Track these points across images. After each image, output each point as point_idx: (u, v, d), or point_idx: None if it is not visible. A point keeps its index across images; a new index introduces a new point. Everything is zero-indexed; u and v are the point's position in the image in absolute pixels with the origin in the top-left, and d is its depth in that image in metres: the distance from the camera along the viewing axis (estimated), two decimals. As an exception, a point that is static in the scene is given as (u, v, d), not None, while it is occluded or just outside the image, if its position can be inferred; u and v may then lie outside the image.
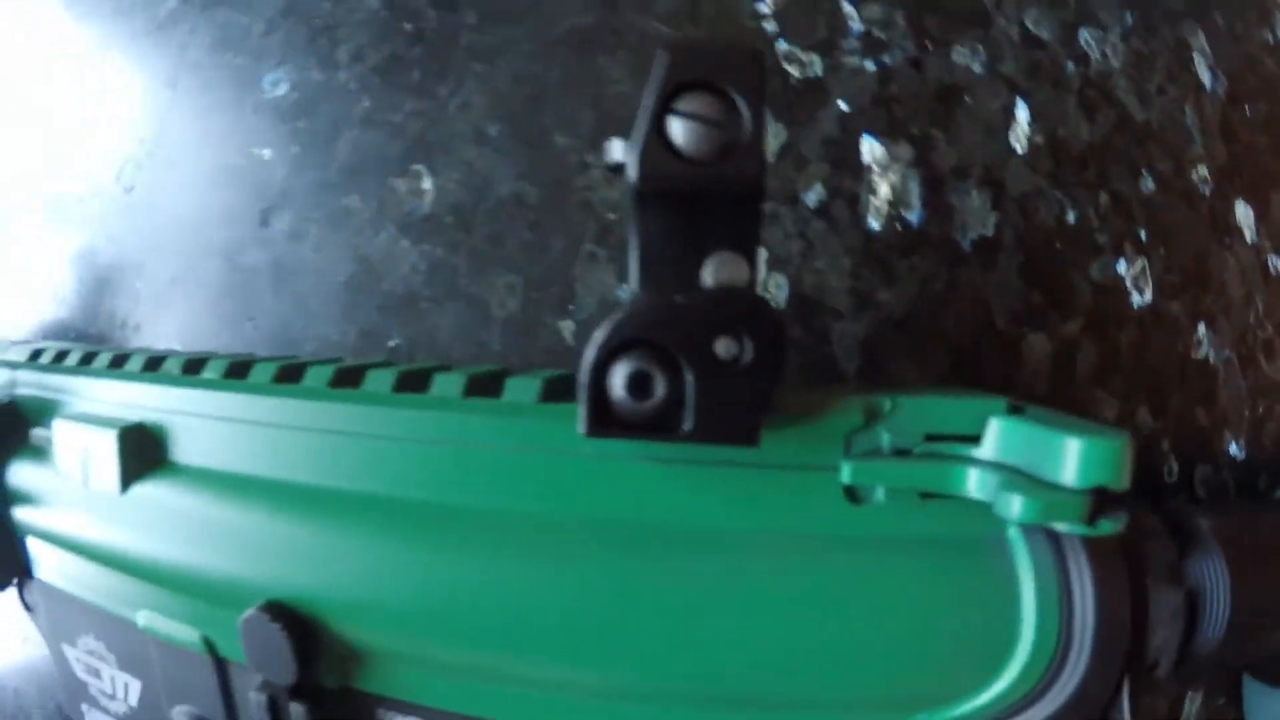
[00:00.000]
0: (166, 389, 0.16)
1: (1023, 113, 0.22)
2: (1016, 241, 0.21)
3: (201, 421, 0.16)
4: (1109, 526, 0.11)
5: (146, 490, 0.17)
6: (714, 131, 0.11)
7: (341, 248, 0.21)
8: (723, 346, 0.11)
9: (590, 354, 0.11)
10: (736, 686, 0.12)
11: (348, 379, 0.14)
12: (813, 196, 0.19)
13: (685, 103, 0.11)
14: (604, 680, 0.12)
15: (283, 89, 0.24)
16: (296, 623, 0.13)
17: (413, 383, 0.14)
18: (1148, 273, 0.23)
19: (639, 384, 0.11)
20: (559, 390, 0.13)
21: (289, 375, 0.15)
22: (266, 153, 0.24)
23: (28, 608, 0.21)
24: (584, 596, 0.12)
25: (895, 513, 0.12)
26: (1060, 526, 0.11)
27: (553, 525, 0.12)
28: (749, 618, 0.12)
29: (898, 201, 0.20)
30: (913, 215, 0.20)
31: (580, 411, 0.11)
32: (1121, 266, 0.22)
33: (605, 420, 0.11)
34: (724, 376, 0.11)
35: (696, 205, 0.11)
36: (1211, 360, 0.25)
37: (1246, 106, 0.27)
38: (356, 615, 0.13)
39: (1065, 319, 0.21)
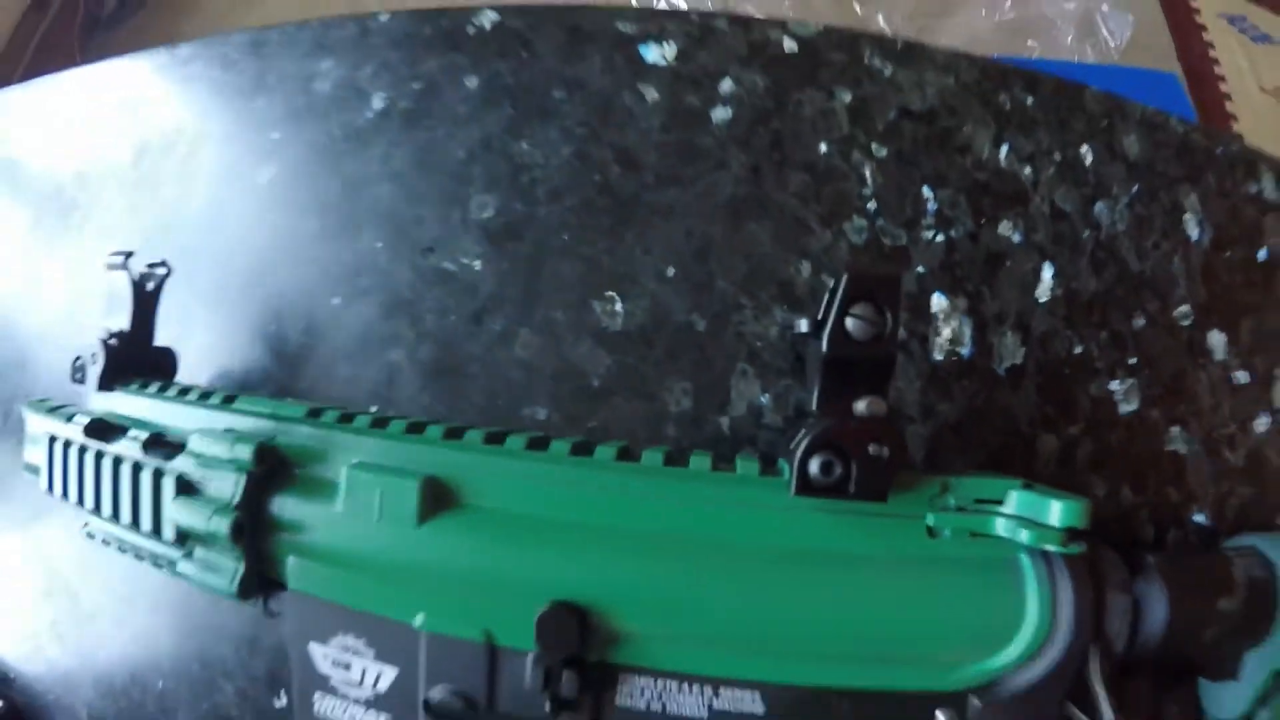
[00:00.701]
0: (472, 454, 0.26)
1: (1048, 272, 0.33)
2: (1037, 369, 0.32)
3: (504, 479, 0.25)
4: (1076, 549, 0.22)
5: (441, 524, 0.25)
6: (871, 328, 0.22)
7: (547, 350, 0.32)
8: (873, 449, 0.22)
9: (800, 451, 0.22)
10: (864, 647, 0.22)
11: (627, 455, 0.25)
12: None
13: (856, 307, 0.22)
14: (784, 643, 0.22)
15: (489, 212, 0.36)
16: (580, 613, 0.23)
17: (675, 460, 0.24)
18: (1135, 388, 0.34)
19: (827, 468, 0.22)
20: (765, 468, 0.24)
21: (582, 450, 0.25)
22: (477, 264, 0.35)
23: (271, 614, 0.28)
24: (775, 591, 0.23)
25: (955, 543, 0.23)
26: (1049, 548, 0.22)
27: (755, 549, 0.23)
28: (870, 604, 0.22)
29: (955, 340, 0.31)
30: (965, 350, 0.31)
31: (791, 482, 0.22)
32: (1114, 385, 0.34)
33: (806, 487, 0.22)
34: (873, 463, 0.22)
35: (855, 366, 0.23)
36: (1182, 452, 0.36)
37: (1228, 251, 0.39)
38: (620, 608, 0.23)
39: (1069, 424, 0.33)
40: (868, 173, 0.32)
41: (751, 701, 0.22)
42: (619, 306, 0.32)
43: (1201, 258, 0.37)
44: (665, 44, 0.36)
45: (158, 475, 0.28)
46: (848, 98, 0.33)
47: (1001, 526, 0.23)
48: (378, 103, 0.40)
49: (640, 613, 0.23)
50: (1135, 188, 0.36)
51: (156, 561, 0.30)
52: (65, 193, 0.50)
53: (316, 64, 0.44)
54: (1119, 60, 0.75)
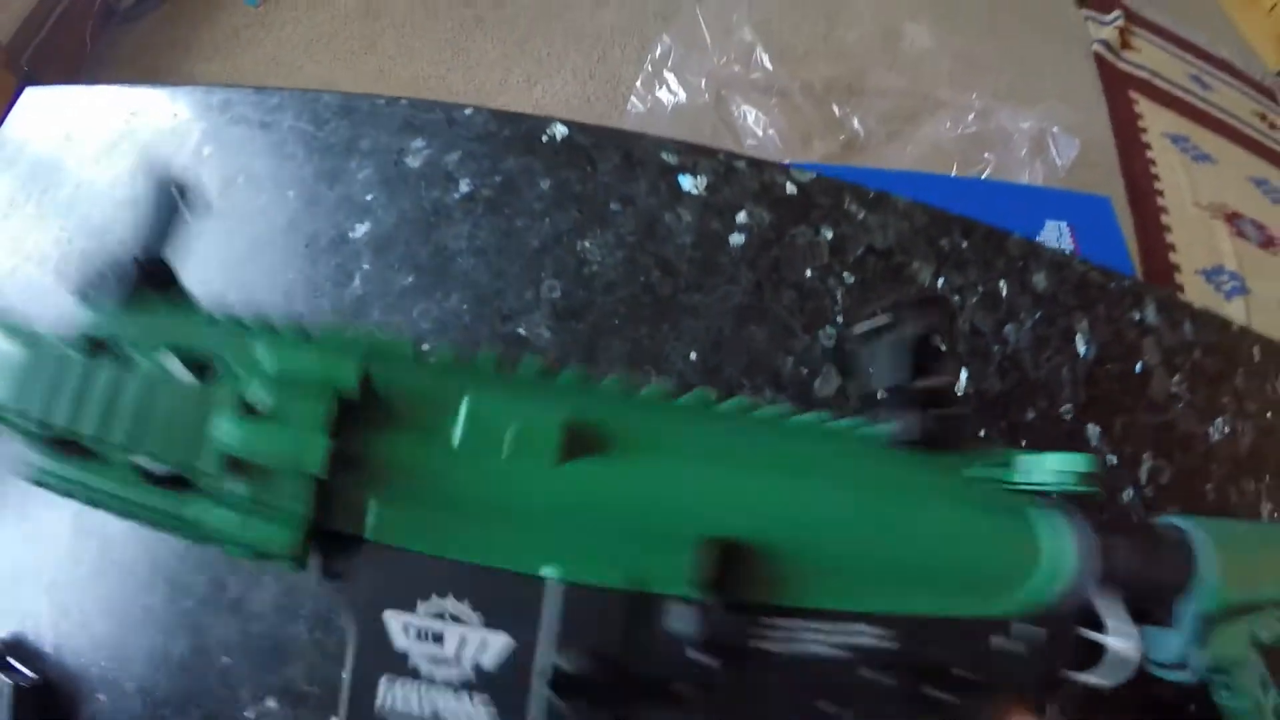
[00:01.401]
0: (610, 404, 0.26)
1: (964, 375, 0.50)
2: (950, 446, 0.49)
3: (644, 429, 0.25)
4: (1088, 486, 0.26)
5: (582, 466, 0.24)
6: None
7: (599, 403, 0.48)
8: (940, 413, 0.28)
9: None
10: (920, 568, 0.26)
11: (747, 410, 0.27)
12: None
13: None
14: (844, 551, 0.25)
15: (557, 294, 0.51)
16: (738, 550, 0.24)
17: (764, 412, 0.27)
18: (1023, 464, 0.51)
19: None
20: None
21: (705, 404, 0.26)
22: (546, 334, 0.51)
23: (336, 575, 0.24)
24: (845, 510, 0.26)
25: (989, 490, 0.28)
26: (1066, 488, 0.26)
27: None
28: (932, 537, 0.27)
29: (892, 422, 0.48)
30: (899, 429, 0.48)
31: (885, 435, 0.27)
32: (1008, 461, 0.51)
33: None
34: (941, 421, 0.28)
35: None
36: (1060, 513, 0.53)
37: (1109, 365, 0.56)
38: (769, 545, 0.24)
39: (972, 487, 0.50)
40: (839, 294, 0.49)
41: (869, 637, 0.25)
42: (653, 379, 0.48)
43: (1086, 369, 0.54)
44: (698, 176, 0.52)
45: (204, 393, 0.24)
46: (830, 234, 0.50)
47: (1018, 476, 0.28)
48: (464, 187, 0.56)
49: (787, 552, 0.25)
50: (1039, 314, 0.53)
51: (152, 516, 0.24)
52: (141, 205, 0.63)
53: (408, 141, 0.58)
54: (1065, 176, 0.94)
